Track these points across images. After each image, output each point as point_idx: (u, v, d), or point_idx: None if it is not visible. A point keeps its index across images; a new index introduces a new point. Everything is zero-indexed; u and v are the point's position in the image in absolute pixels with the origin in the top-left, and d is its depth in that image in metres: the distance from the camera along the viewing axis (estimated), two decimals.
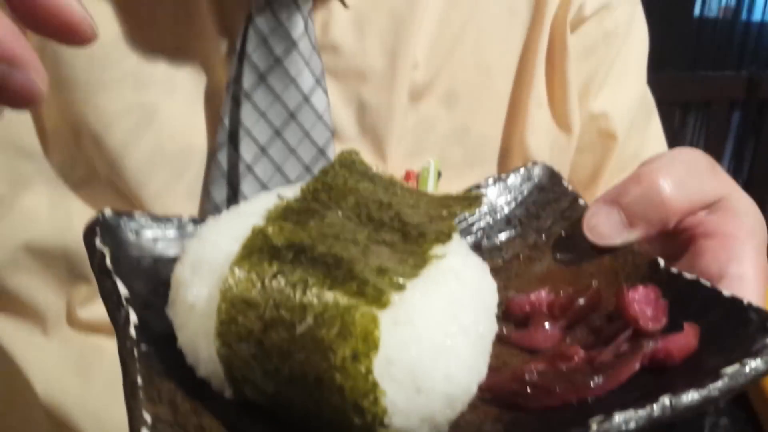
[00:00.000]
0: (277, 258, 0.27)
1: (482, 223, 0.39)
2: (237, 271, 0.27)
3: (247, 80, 0.57)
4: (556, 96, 0.68)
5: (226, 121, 0.57)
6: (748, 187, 1.54)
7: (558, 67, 0.67)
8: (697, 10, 2.52)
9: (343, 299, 0.25)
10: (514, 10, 0.66)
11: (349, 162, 0.33)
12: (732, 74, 1.40)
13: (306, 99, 0.58)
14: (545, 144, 0.67)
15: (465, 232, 0.39)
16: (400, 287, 0.26)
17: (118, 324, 0.28)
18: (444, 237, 0.29)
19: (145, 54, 0.56)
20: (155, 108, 0.56)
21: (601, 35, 0.69)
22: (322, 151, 0.59)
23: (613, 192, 0.37)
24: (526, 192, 0.40)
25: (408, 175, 0.63)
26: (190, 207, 0.59)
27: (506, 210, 0.39)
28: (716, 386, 0.25)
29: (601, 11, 0.68)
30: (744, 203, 0.39)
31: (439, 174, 0.63)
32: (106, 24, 0.55)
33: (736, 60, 2.32)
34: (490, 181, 0.41)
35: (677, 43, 2.63)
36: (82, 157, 0.58)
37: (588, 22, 0.68)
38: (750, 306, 0.29)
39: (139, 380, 0.25)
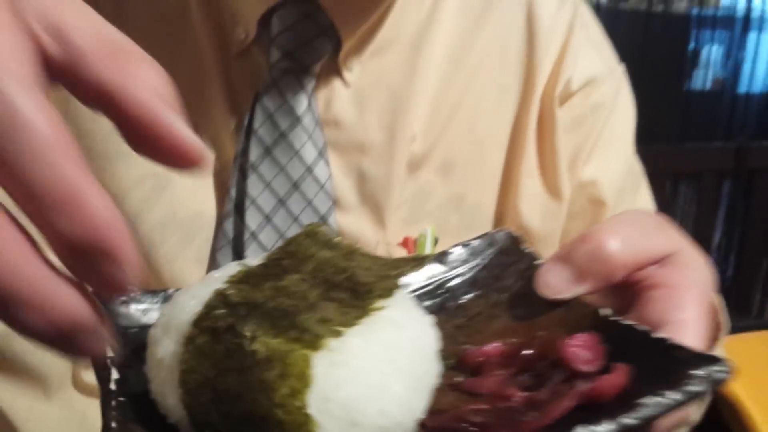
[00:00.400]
0: (232, 314, 0.31)
1: (449, 285, 0.42)
2: (197, 326, 0.31)
3: (254, 153, 0.60)
4: (546, 165, 0.71)
5: (233, 192, 0.60)
6: (742, 251, 1.58)
7: (548, 139, 0.70)
8: (690, 83, 2.61)
9: (284, 345, 0.29)
10: (506, 86, 0.70)
11: (313, 233, 0.37)
12: (721, 145, 1.45)
13: (309, 170, 0.61)
14: (537, 211, 0.70)
15: (431, 294, 0.42)
16: (338, 333, 0.30)
17: (102, 381, 0.32)
18: (387, 293, 0.32)
19: None
20: (168, 177, 0.60)
21: (589, 108, 0.72)
22: (324, 219, 0.62)
23: (563, 250, 0.40)
24: (489, 256, 0.43)
25: (406, 241, 0.66)
26: (198, 271, 0.61)
27: (471, 273, 0.42)
28: (635, 415, 0.28)
29: (588, 86, 0.72)
30: (692, 258, 0.41)
31: (436, 240, 0.66)
32: None
33: (725, 131, 2.40)
34: (459, 247, 0.44)
35: (668, 115, 2.71)
36: None
37: (575, 97, 0.71)
38: (675, 345, 0.32)
39: (113, 424, 0.29)
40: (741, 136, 1.47)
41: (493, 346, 0.35)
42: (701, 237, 1.57)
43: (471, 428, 0.29)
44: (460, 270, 0.43)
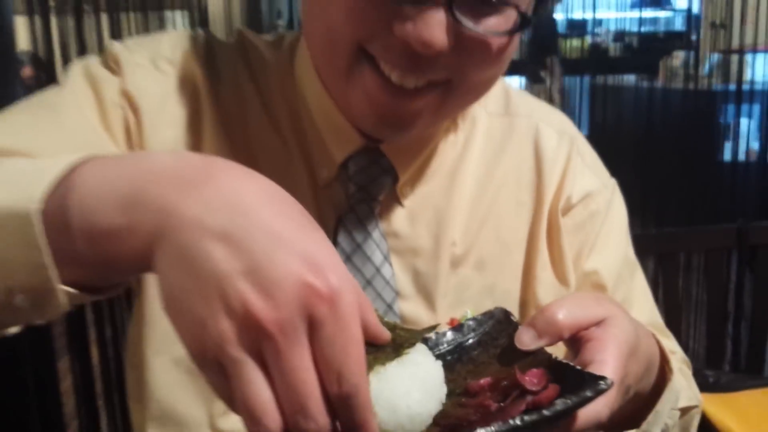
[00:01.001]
0: None
1: (464, 345, 0.61)
2: None
3: None
4: (556, 261, 0.87)
5: None
6: (753, 319, 1.72)
7: (556, 241, 0.87)
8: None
9: None
10: (522, 202, 0.87)
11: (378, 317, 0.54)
12: (726, 226, 1.63)
13: (378, 270, 0.80)
14: (551, 295, 0.86)
15: (452, 351, 0.60)
16: (383, 364, 0.47)
17: None
18: (411, 345, 0.51)
19: None
20: None
21: (587, 216, 0.88)
22: (390, 306, 0.80)
23: (530, 319, 0.58)
24: (490, 325, 0.62)
25: (452, 321, 0.82)
26: None
27: (478, 337, 0.61)
28: (550, 409, 0.48)
29: (585, 199, 0.87)
30: (618, 321, 0.60)
31: None
32: None
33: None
34: (470, 320, 0.63)
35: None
36: None
37: (575, 208, 0.87)
38: (587, 373, 0.52)
39: None
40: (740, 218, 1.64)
41: (484, 380, 0.55)
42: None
43: (464, 424, 0.49)
44: (470, 335, 0.61)
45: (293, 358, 0.40)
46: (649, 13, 7.60)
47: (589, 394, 0.49)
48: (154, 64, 0.78)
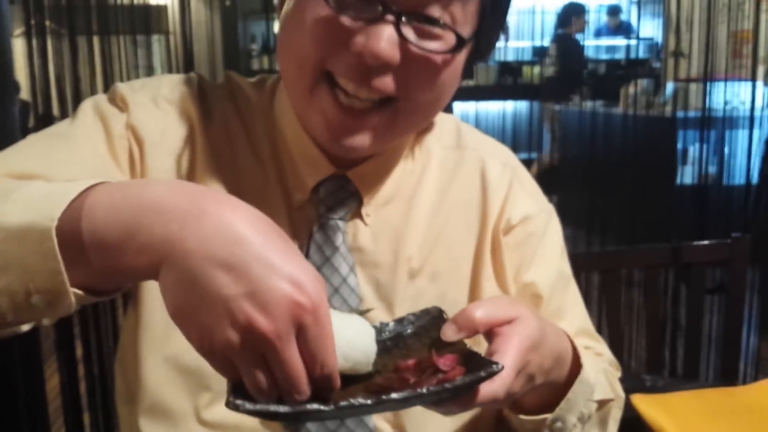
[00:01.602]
0: None
1: (404, 334, 0.74)
2: None
3: None
4: (499, 273, 0.98)
5: None
6: (688, 329, 1.87)
7: (498, 257, 0.97)
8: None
9: None
10: (470, 222, 0.97)
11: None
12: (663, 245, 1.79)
13: (344, 280, 0.89)
14: None
15: (392, 339, 0.73)
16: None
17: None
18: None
19: None
20: None
21: (525, 236, 0.98)
22: (353, 311, 0.94)
23: (454, 315, 0.70)
24: (426, 319, 0.74)
25: None
26: None
27: (414, 328, 0.73)
28: (450, 384, 0.61)
29: (524, 221, 0.98)
30: (526, 320, 0.71)
31: None
32: None
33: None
34: (410, 314, 0.76)
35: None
36: None
37: (515, 228, 0.98)
38: (487, 359, 0.65)
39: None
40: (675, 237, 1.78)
41: (411, 361, 0.67)
42: None
43: (386, 390, 0.61)
44: (409, 327, 0.74)
45: (287, 355, 0.55)
46: (612, 42, 7.87)
47: (482, 374, 0.63)
48: (155, 103, 0.90)
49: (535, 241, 0.99)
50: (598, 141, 4.07)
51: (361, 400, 0.59)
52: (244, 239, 0.54)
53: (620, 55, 7.62)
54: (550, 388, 0.82)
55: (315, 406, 0.57)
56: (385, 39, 0.75)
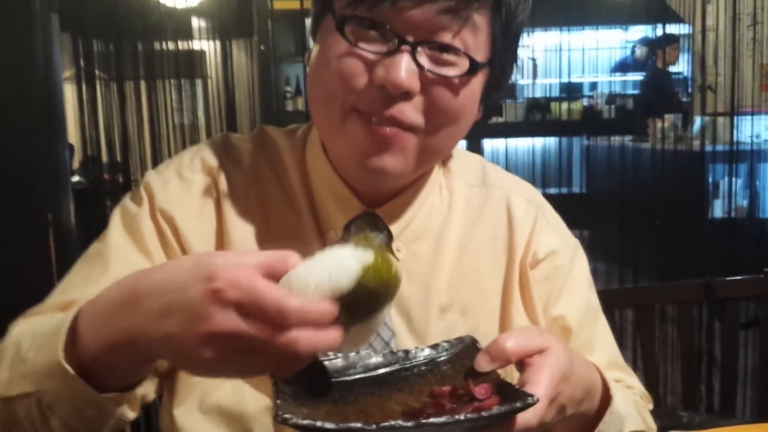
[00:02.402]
0: None
1: (435, 361, 0.76)
2: None
3: None
4: (528, 307, 0.98)
5: None
6: (723, 365, 1.88)
7: (526, 290, 0.98)
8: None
9: None
10: (497, 258, 0.98)
11: None
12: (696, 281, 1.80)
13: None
14: None
15: (427, 364, 0.75)
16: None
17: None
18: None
19: None
20: None
21: (552, 270, 0.99)
22: (387, 344, 0.90)
23: (487, 346, 0.72)
24: (460, 348, 0.77)
25: None
26: None
27: (448, 356, 0.76)
28: (486, 413, 0.62)
29: (550, 255, 0.99)
30: (556, 351, 0.73)
31: None
32: None
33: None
34: (445, 343, 0.77)
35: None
36: None
37: (542, 263, 0.99)
38: (521, 390, 0.67)
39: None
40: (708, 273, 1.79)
41: (446, 387, 0.70)
42: None
43: (422, 415, 0.64)
44: (443, 353, 0.77)
45: (244, 330, 0.58)
46: (639, 77, 7.89)
47: (518, 405, 0.65)
48: (179, 176, 0.96)
49: (562, 275, 1.01)
50: (627, 175, 4.09)
51: (402, 423, 0.62)
52: (145, 293, 0.65)
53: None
54: (581, 420, 0.84)
55: (358, 425, 0.61)
56: (403, 69, 0.80)
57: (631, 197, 3.99)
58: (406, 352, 0.76)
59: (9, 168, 1.66)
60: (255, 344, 0.59)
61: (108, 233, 0.94)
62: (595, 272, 1.08)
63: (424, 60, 0.82)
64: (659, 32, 5.31)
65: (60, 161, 1.85)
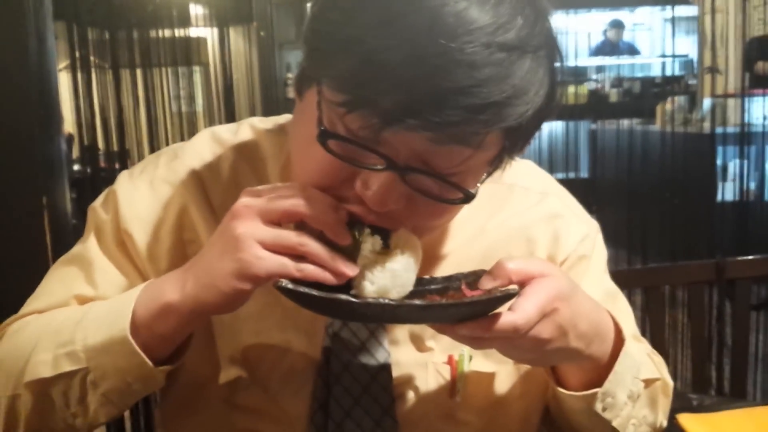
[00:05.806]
0: None
1: (448, 288, 0.78)
2: None
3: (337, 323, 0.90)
4: None
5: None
6: (734, 346, 1.84)
7: None
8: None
9: None
10: (517, 252, 0.95)
11: None
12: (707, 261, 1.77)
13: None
14: None
15: (440, 292, 0.78)
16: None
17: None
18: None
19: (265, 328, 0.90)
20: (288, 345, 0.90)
21: (576, 259, 0.97)
22: (385, 349, 0.90)
23: (491, 268, 0.75)
24: (473, 278, 0.77)
25: (450, 359, 0.91)
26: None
27: (459, 284, 0.78)
28: (466, 299, 0.69)
29: (576, 244, 0.97)
30: (556, 276, 0.75)
31: (470, 357, 0.91)
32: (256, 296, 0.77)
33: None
34: (460, 274, 0.79)
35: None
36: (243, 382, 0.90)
37: (570, 252, 0.97)
38: (512, 291, 0.71)
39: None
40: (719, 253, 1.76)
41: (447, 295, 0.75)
42: None
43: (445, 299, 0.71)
44: (455, 282, 0.78)
45: (273, 210, 0.72)
46: (646, 60, 7.83)
47: (498, 294, 0.69)
48: (151, 187, 0.91)
49: (584, 265, 0.99)
50: (636, 158, 4.05)
51: (383, 300, 0.68)
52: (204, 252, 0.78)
53: (655, 73, 7.58)
54: (594, 365, 0.83)
55: (345, 297, 0.67)
56: (387, 189, 0.71)
57: (639, 180, 3.95)
58: (420, 279, 0.77)
59: (3, 155, 1.63)
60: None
61: (86, 240, 0.93)
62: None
63: (412, 180, 0.72)
64: (668, 14, 5.25)
65: (55, 147, 1.82)
